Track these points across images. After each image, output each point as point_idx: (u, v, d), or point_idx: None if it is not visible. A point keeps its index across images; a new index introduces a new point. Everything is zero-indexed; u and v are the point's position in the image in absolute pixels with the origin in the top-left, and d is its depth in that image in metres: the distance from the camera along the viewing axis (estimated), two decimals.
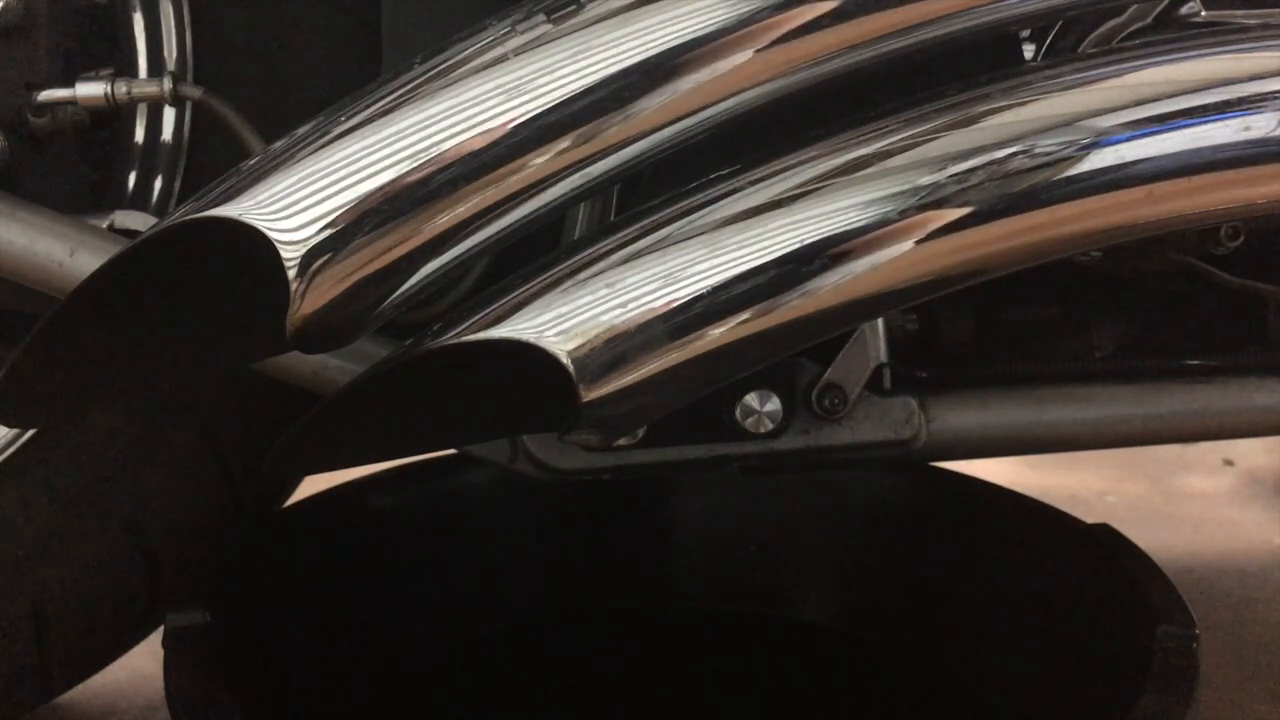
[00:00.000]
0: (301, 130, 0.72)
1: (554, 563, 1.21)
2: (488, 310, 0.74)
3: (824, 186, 0.75)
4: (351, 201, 0.69)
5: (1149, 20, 0.92)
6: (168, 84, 0.95)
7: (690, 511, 1.22)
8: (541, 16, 0.72)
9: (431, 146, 0.69)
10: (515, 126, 0.70)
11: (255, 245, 0.69)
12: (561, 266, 0.75)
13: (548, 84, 0.70)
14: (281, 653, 1.03)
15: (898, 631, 1.15)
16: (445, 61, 0.72)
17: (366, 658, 1.11)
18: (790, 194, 0.75)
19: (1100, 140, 0.75)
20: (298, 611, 1.07)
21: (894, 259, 0.74)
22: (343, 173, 0.69)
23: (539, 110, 0.70)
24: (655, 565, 1.22)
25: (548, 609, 1.20)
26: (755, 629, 1.19)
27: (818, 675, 1.15)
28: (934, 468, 1.15)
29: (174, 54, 1.01)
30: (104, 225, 0.95)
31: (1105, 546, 1.03)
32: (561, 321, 0.73)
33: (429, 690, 1.12)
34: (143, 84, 0.95)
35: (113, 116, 1.02)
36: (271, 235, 0.69)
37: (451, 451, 1.05)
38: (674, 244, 0.74)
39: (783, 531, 1.20)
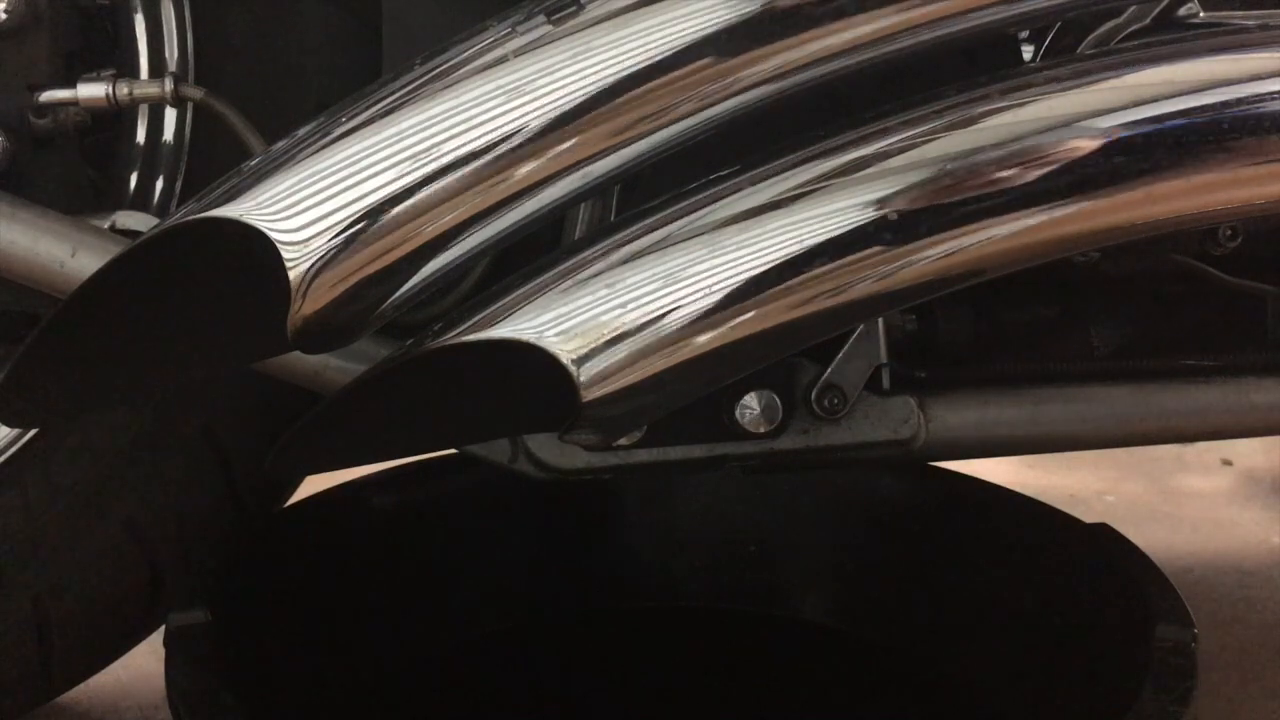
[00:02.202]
0: (302, 131, 0.72)
1: (553, 563, 1.21)
2: (488, 310, 0.75)
3: (823, 187, 0.75)
4: (352, 202, 0.69)
5: (1148, 21, 0.92)
6: (169, 85, 0.95)
7: (690, 511, 1.22)
8: (541, 17, 0.72)
9: (432, 147, 0.70)
10: (515, 127, 0.70)
11: (256, 246, 0.69)
12: (561, 266, 0.75)
13: (548, 85, 0.70)
14: (282, 652, 1.03)
15: (897, 631, 1.15)
16: (446, 62, 0.72)
17: (367, 656, 1.11)
18: (790, 194, 0.75)
19: (1099, 140, 0.75)
20: (298, 611, 1.07)
21: (893, 259, 0.74)
22: (344, 173, 0.69)
23: (539, 111, 0.70)
24: (655, 565, 1.22)
25: (547, 609, 1.20)
26: (755, 629, 1.19)
27: (818, 675, 1.15)
28: (934, 468, 1.15)
29: (175, 55, 1.01)
30: (105, 226, 0.95)
31: (1104, 546, 1.03)
32: (561, 321, 0.73)
33: (428, 689, 1.12)
34: (144, 85, 0.96)
35: (114, 117, 1.02)
36: (273, 236, 0.69)
37: (451, 451, 1.05)
38: (674, 244, 0.74)
39: (783, 531, 1.20)
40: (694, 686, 1.12)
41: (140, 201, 1.03)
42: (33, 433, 1.02)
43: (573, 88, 0.70)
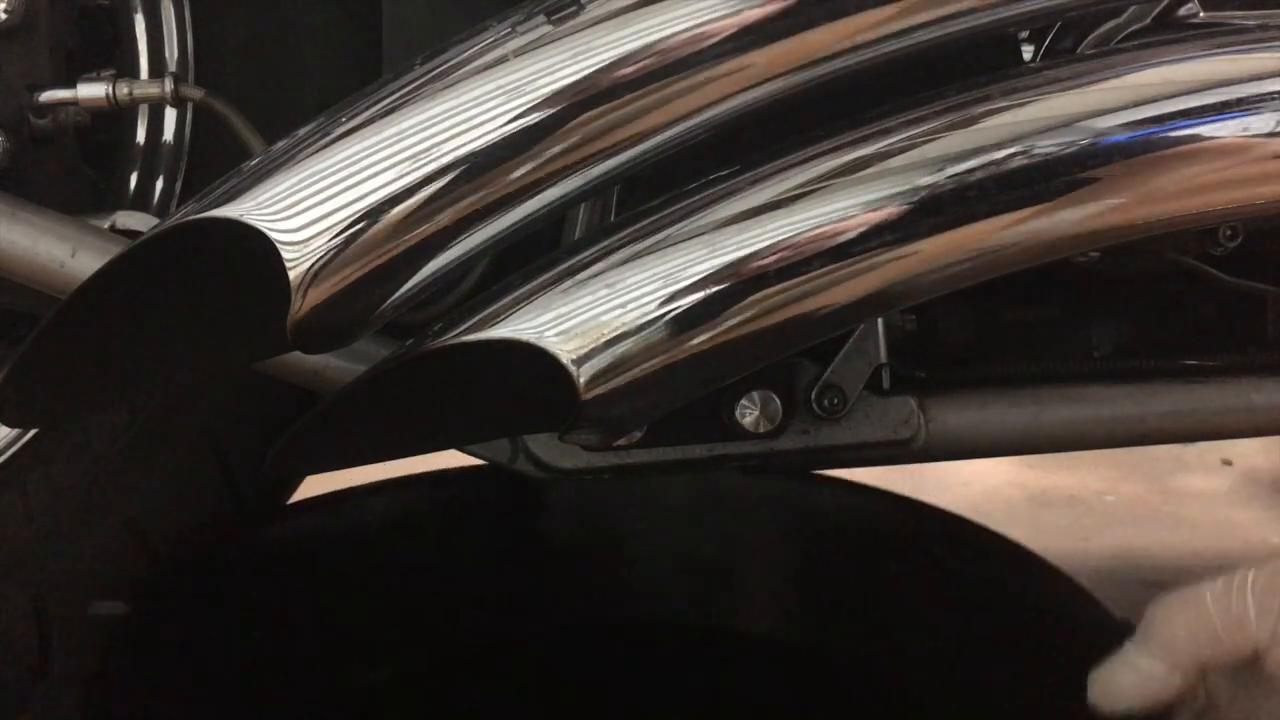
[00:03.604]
0: (302, 131, 0.72)
1: (508, 581, 1.16)
2: (488, 310, 0.75)
3: (824, 187, 0.75)
4: (352, 202, 0.69)
5: (1148, 21, 0.92)
6: (169, 85, 0.95)
7: (655, 529, 1.18)
8: (541, 17, 0.72)
9: (432, 147, 0.70)
10: (515, 127, 0.70)
11: (257, 246, 0.69)
12: (561, 266, 0.75)
13: (548, 85, 0.70)
14: (244, 676, 1.02)
15: (861, 650, 1.12)
16: (445, 62, 0.72)
17: (326, 678, 1.08)
18: (790, 194, 0.75)
19: (1099, 140, 0.75)
20: (251, 635, 1.05)
21: (893, 259, 0.74)
22: (344, 174, 0.69)
23: (539, 111, 0.70)
24: (616, 582, 1.18)
25: (502, 628, 1.16)
26: (717, 646, 1.16)
27: (779, 694, 1.11)
28: (894, 493, 1.14)
29: (175, 55, 1.01)
30: (105, 226, 0.95)
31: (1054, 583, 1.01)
32: (561, 321, 0.74)
33: (389, 713, 1.09)
34: (144, 85, 0.96)
35: (114, 117, 1.02)
36: (273, 236, 0.69)
37: (412, 467, 1.03)
38: (674, 244, 0.74)
39: (747, 549, 1.17)
40: (656, 704, 1.09)
41: (140, 201, 1.03)
42: (33, 433, 1.02)
43: (573, 88, 0.70)
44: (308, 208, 0.69)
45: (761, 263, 0.74)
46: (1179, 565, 1.48)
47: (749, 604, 1.18)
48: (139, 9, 1.01)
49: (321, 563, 1.12)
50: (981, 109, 0.76)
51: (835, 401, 0.95)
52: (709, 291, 0.73)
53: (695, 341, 0.74)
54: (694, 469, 0.97)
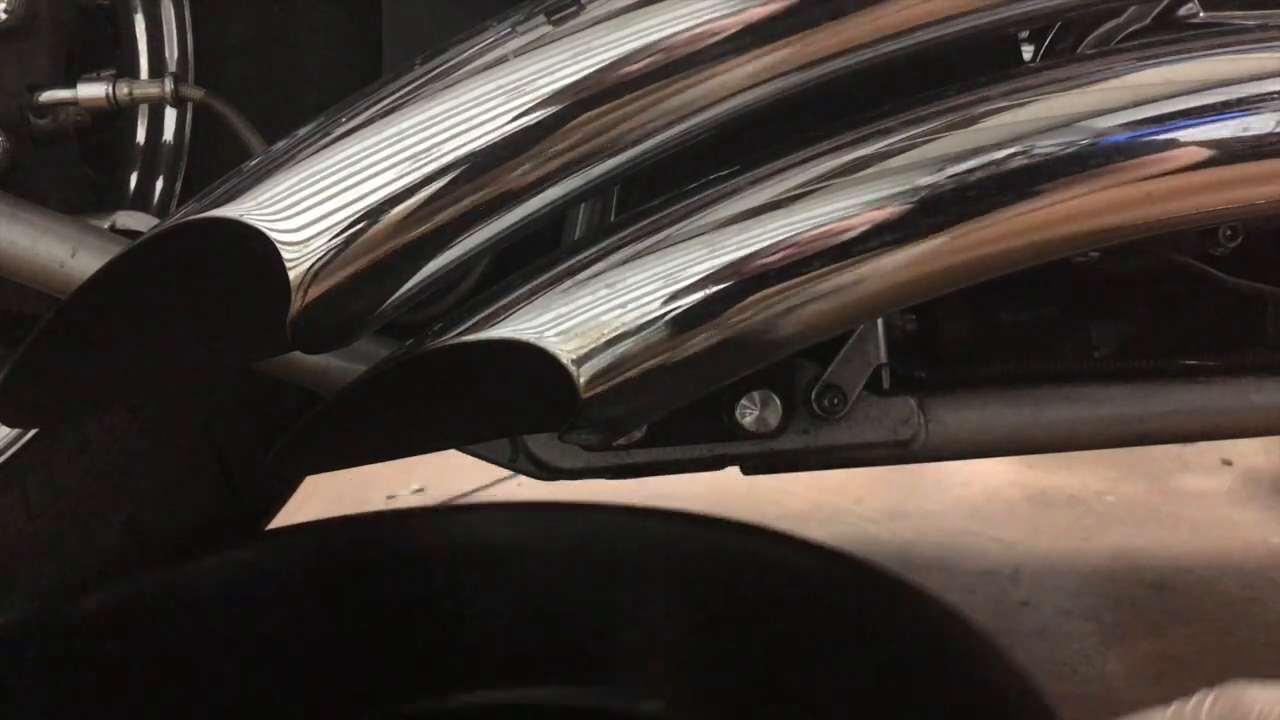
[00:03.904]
0: (303, 131, 0.72)
1: (349, 657, 1.07)
2: (488, 310, 0.75)
3: (824, 187, 0.75)
4: (352, 202, 0.69)
5: (1148, 21, 0.93)
6: (169, 85, 0.95)
7: (519, 591, 1.09)
8: (541, 17, 0.72)
9: (432, 147, 0.70)
10: (515, 127, 0.70)
11: (257, 246, 0.69)
12: (561, 266, 0.75)
13: (548, 85, 0.70)
14: None
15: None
16: (445, 63, 0.72)
17: None
18: (790, 194, 0.75)
19: (1099, 140, 0.75)
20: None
21: (893, 260, 0.74)
22: (344, 174, 0.69)
23: (539, 111, 0.70)
24: (460, 650, 1.08)
25: (350, 710, 1.06)
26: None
27: None
28: (789, 539, 1.05)
29: (175, 55, 1.01)
30: (105, 226, 0.95)
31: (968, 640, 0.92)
32: (561, 321, 0.74)
33: None
34: (144, 85, 0.96)
35: (114, 117, 1.02)
36: (273, 236, 0.69)
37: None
38: (674, 244, 0.74)
39: (624, 614, 1.08)
40: None
41: (140, 201, 1.03)
42: (33, 433, 1.02)
43: (573, 88, 0.70)
44: (308, 208, 0.69)
45: (761, 263, 0.74)
46: (1179, 565, 1.48)
47: (631, 675, 1.06)
48: (139, 9, 1.01)
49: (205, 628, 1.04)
50: (981, 109, 0.76)
51: (835, 401, 0.95)
52: (709, 291, 0.73)
53: (695, 342, 0.74)
54: (694, 469, 0.97)
